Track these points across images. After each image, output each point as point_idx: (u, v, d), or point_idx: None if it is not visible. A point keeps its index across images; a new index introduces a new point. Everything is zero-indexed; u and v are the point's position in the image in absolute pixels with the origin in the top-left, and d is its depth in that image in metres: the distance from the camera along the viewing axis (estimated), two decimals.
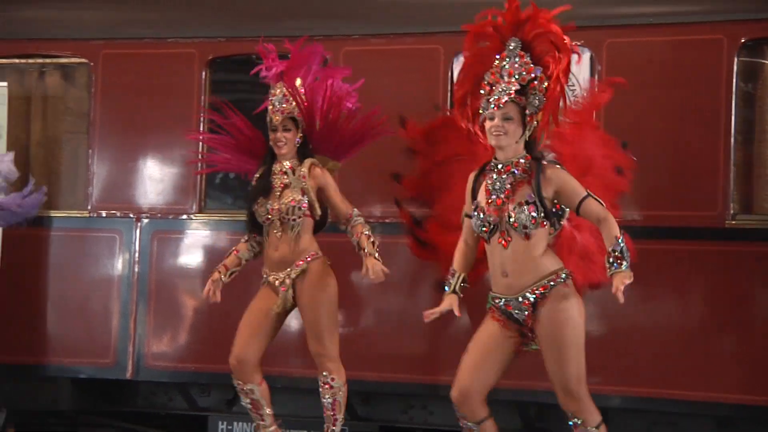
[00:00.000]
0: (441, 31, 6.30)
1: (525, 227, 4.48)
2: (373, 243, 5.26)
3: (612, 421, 5.84)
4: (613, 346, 5.94)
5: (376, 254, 5.23)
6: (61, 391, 6.85)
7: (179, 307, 6.76)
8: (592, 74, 6.16)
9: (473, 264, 4.82)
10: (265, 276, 5.40)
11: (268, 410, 5.38)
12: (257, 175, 5.43)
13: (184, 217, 6.80)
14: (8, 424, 6.86)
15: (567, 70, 4.57)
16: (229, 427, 6.73)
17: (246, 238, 5.49)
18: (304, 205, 5.26)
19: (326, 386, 5.31)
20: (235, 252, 5.46)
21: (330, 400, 5.31)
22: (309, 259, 5.28)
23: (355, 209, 5.38)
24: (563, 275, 4.54)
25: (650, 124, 5.97)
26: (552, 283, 4.51)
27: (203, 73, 6.79)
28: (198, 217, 6.77)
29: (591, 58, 6.18)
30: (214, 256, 6.72)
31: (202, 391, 6.90)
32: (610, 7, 6.26)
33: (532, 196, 4.49)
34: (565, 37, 4.59)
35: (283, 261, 5.30)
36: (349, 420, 6.63)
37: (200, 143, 6.69)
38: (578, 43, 6.15)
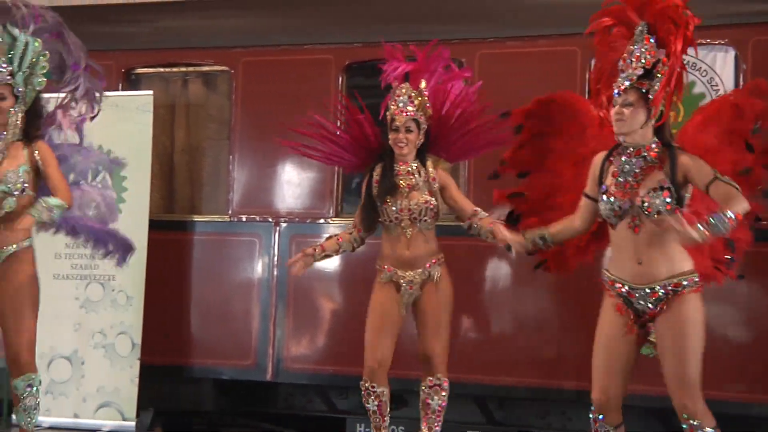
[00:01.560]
0: (578, 33, 6.19)
1: (659, 212, 4.39)
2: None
3: None
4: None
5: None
6: (204, 391, 7.02)
7: (317, 310, 6.84)
8: (737, 73, 5.98)
9: (559, 243, 4.79)
10: (386, 273, 5.35)
11: (389, 413, 5.40)
12: (377, 175, 5.38)
13: (322, 221, 6.88)
14: (155, 424, 7.06)
15: (682, 45, 4.44)
16: (367, 429, 6.78)
17: (350, 230, 5.45)
18: (433, 205, 5.27)
19: (438, 388, 5.27)
20: (338, 239, 5.43)
21: (440, 403, 5.28)
22: (436, 261, 5.29)
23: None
24: (696, 278, 4.44)
25: None
26: (686, 283, 4.41)
27: (340, 79, 6.86)
28: (335, 221, 6.84)
29: (735, 57, 5.99)
30: (350, 260, 6.78)
31: (340, 394, 6.96)
32: (756, 3, 6.06)
33: (666, 181, 4.41)
34: (684, 11, 4.46)
35: (416, 260, 5.28)
36: (485, 424, 6.60)
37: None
38: (722, 42, 6.01)
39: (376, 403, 5.35)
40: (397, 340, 5.33)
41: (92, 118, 5.31)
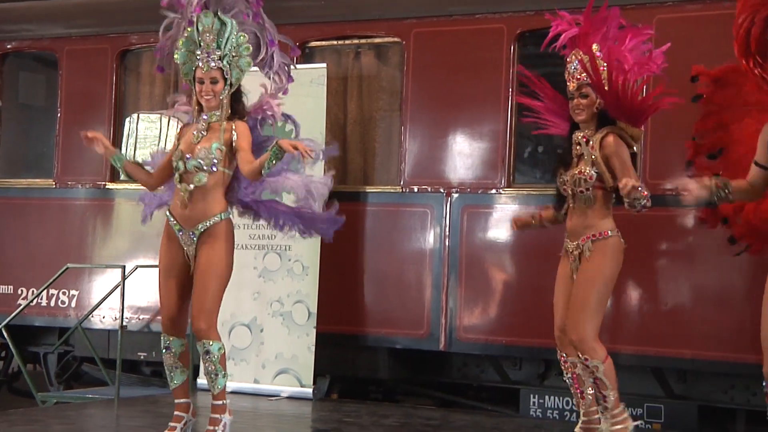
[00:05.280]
0: None
1: None
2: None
3: None
4: None
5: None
6: (379, 360, 7.12)
7: (489, 281, 6.84)
8: None
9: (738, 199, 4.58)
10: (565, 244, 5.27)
11: (589, 390, 5.21)
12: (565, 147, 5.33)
13: (493, 191, 6.85)
14: (331, 391, 7.21)
15: None
16: (541, 401, 6.75)
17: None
18: (591, 177, 5.02)
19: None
20: (551, 209, 5.36)
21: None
22: (591, 237, 5.05)
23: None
24: None
25: None
26: None
27: (512, 48, 6.80)
28: (507, 192, 6.81)
29: None
30: (522, 231, 6.73)
31: (513, 365, 6.94)
32: None
33: None
34: None
35: (575, 232, 5.14)
36: (664, 398, 6.48)
37: (508, 116, 6.74)
38: None
39: (568, 375, 5.24)
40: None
41: (285, 92, 5.40)
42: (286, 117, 5.41)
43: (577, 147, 5.18)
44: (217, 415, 5.06)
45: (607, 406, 5.05)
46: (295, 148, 4.76)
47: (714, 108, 5.08)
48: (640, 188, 4.81)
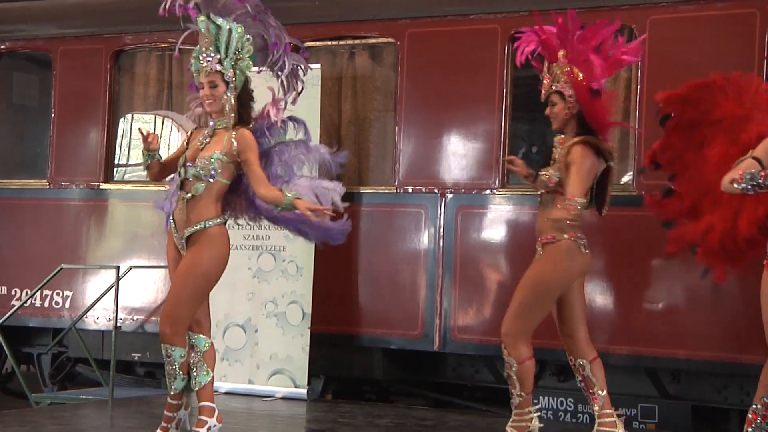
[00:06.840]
0: None
1: None
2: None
3: None
4: None
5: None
6: (373, 360, 7.11)
7: (483, 281, 6.84)
8: None
9: None
10: None
11: (601, 392, 5.23)
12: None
13: (488, 192, 6.86)
14: (326, 391, 7.21)
15: None
16: (535, 401, 6.72)
17: None
18: (552, 181, 5.16)
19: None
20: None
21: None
22: (546, 240, 5.17)
23: (578, 199, 5.00)
24: None
25: None
26: None
27: (506, 48, 6.80)
28: (501, 192, 6.82)
29: None
30: (517, 231, 6.76)
31: None
32: None
33: None
34: None
35: (537, 231, 5.28)
36: (658, 398, 6.49)
37: (503, 117, 6.74)
38: None
39: (578, 378, 5.32)
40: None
41: (299, 94, 5.36)
42: (292, 120, 5.29)
43: (554, 149, 5.30)
44: (172, 414, 5.06)
45: (514, 402, 5.21)
46: (312, 211, 4.84)
47: (682, 126, 5.09)
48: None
